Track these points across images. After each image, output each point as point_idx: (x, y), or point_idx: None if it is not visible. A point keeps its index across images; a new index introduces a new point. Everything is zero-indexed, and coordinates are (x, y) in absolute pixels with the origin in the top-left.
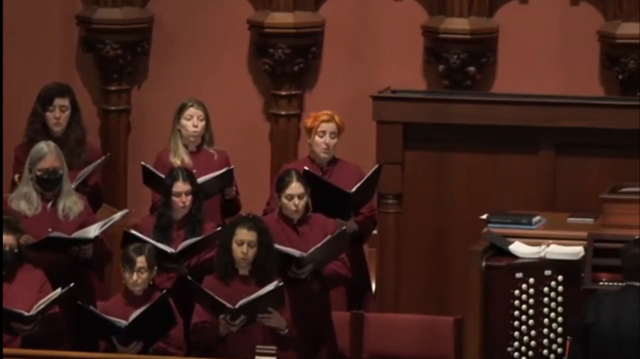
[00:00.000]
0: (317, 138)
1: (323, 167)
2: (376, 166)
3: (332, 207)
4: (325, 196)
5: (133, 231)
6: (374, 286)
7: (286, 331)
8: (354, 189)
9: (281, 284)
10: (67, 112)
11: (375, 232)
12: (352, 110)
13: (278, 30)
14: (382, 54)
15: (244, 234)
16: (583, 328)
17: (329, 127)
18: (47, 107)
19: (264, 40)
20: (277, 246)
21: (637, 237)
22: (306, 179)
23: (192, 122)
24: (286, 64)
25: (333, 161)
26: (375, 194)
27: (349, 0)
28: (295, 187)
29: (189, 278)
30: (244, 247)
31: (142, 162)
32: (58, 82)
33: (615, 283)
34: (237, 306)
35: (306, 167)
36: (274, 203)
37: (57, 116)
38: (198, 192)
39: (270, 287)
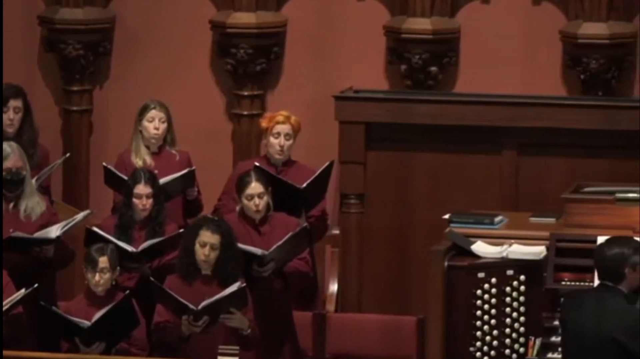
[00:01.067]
0: (272, 139)
1: (278, 167)
2: (327, 163)
3: (283, 204)
4: (277, 192)
5: (96, 229)
6: (335, 286)
7: (249, 331)
8: (304, 185)
9: (244, 285)
10: (20, 114)
11: (336, 232)
12: (315, 110)
13: (240, 30)
14: (345, 54)
15: (207, 237)
16: (561, 325)
17: (284, 128)
18: (1, 108)
19: (226, 40)
20: (239, 245)
21: (609, 237)
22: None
23: (154, 124)
24: (248, 64)
25: (288, 162)
26: (326, 195)
27: (312, 0)
28: (254, 187)
29: (152, 278)
30: (207, 250)
31: (104, 163)
32: (11, 84)
33: (577, 283)
34: (199, 307)
35: (256, 163)
36: (226, 200)
37: (11, 117)
38: (159, 194)
39: (233, 288)
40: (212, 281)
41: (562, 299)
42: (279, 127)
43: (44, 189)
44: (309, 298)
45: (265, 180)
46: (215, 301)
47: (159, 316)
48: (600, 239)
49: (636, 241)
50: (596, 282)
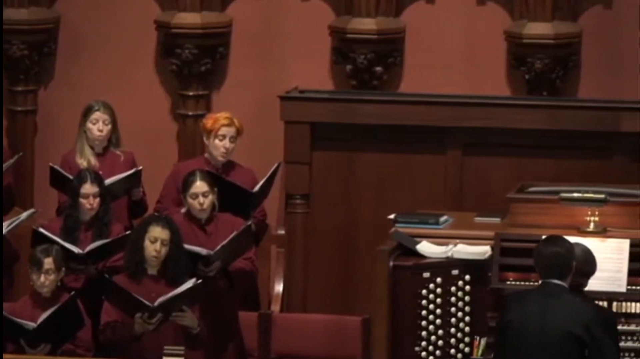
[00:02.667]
0: (216, 141)
1: (218, 169)
2: (275, 165)
3: (231, 207)
4: (225, 195)
5: (42, 230)
6: (281, 286)
7: (198, 329)
8: (257, 189)
9: (199, 282)
10: None
11: (282, 232)
12: (260, 110)
13: (185, 31)
14: (290, 54)
15: (157, 232)
16: (503, 326)
17: (229, 131)
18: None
19: (171, 40)
20: (184, 245)
21: (545, 236)
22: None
23: (98, 126)
24: (193, 64)
25: (228, 164)
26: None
27: (256, 0)
28: (199, 186)
29: (106, 276)
30: (157, 245)
31: (51, 164)
32: None
33: (523, 282)
34: (156, 303)
35: (207, 169)
36: (165, 203)
37: None
38: (105, 194)
39: (189, 285)
40: (159, 280)
41: (504, 300)
42: (225, 130)
43: (5, 189)
44: (251, 298)
45: (210, 179)
46: (171, 298)
47: (107, 316)
48: None
49: (567, 239)
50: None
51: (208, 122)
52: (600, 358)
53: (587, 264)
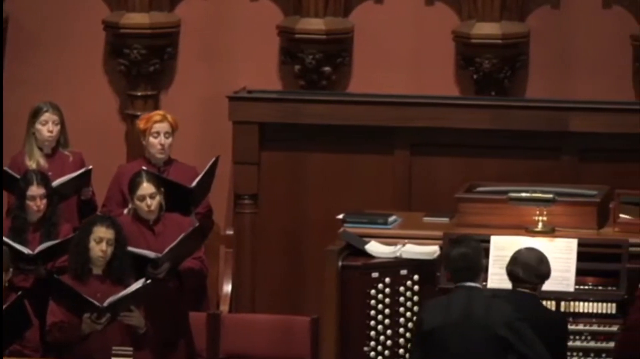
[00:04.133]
0: (151, 139)
1: (160, 167)
2: (213, 160)
3: (172, 204)
4: (166, 193)
5: None
6: (229, 287)
7: (144, 329)
8: (194, 184)
9: (149, 282)
10: None
11: (230, 232)
12: (208, 110)
13: (133, 31)
14: (238, 54)
15: (102, 232)
16: (422, 334)
17: (163, 127)
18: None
19: (119, 40)
20: (131, 249)
21: (452, 239)
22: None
23: (47, 127)
24: (142, 64)
25: (169, 162)
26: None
27: (205, 0)
28: (145, 187)
29: (55, 276)
30: (103, 245)
31: (5, 167)
32: None
33: None
34: (105, 304)
35: (144, 167)
36: (110, 205)
37: None
38: (53, 195)
39: (138, 285)
40: (105, 280)
41: (421, 309)
42: (158, 126)
43: None
44: (201, 298)
45: (156, 180)
46: (120, 298)
47: (54, 316)
48: (494, 239)
49: (473, 236)
50: (490, 283)
51: (141, 122)
52: (527, 354)
53: (543, 263)
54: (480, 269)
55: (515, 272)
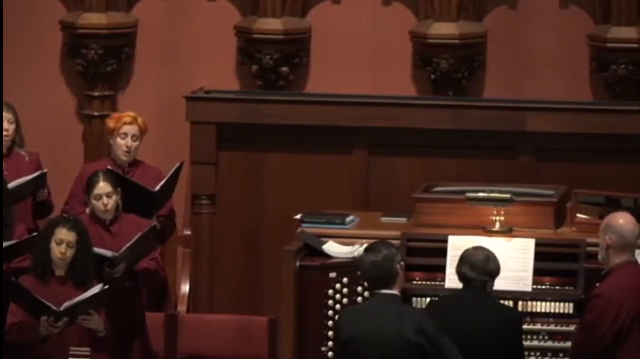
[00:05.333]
0: (119, 140)
1: (125, 168)
2: (177, 164)
3: (135, 206)
4: (128, 195)
5: None
6: (187, 287)
7: (104, 332)
8: (157, 188)
9: (106, 287)
10: None
11: (188, 232)
12: (166, 110)
13: (91, 31)
14: (196, 54)
15: (63, 234)
16: (340, 343)
17: (131, 129)
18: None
19: (76, 41)
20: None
21: (366, 246)
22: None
23: (3, 126)
24: (99, 64)
25: (134, 163)
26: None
27: (162, 0)
28: (102, 187)
29: (12, 278)
30: (63, 247)
31: None
32: None
33: (429, 282)
34: (62, 308)
35: (109, 167)
36: (73, 203)
37: None
38: (8, 196)
39: (95, 290)
40: (66, 281)
41: (339, 319)
42: (127, 128)
43: None
44: (160, 299)
45: (113, 180)
46: (77, 303)
47: (14, 317)
48: (452, 238)
49: (391, 242)
50: (447, 283)
51: (111, 121)
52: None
53: (490, 262)
54: (393, 276)
55: (464, 272)
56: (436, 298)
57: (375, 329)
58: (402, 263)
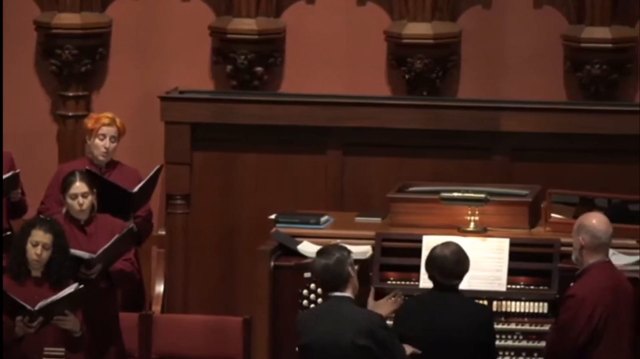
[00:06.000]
0: (97, 141)
1: (102, 169)
2: (157, 167)
3: (112, 207)
4: (105, 195)
5: None
6: (162, 287)
7: (80, 333)
8: (136, 189)
9: (81, 286)
10: None
11: (162, 233)
12: (140, 110)
13: (65, 31)
14: (170, 54)
15: (39, 236)
16: (299, 348)
17: (110, 131)
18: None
19: (51, 41)
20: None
21: (318, 250)
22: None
23: None
24: (73, 64)
25: (112, 163)
26: (151, 195)
27: (136, 0)
28: (78, 186)
29: None
30: (39, 249)
31: None
32: None
33: (403, 282)
34: (36, 307)
35: (87, 167)
36: (49, 203)
37: None
38: None
39: (70, 289)
40: (43, 282)
41: (297, 322)
42: (105, 129)
43: None
44: (135, 299)
45: (89, 180)
46: (52, 302)
47: None
48: (426, 238)
49: (343, 245)
50: (422, 283)
51: (89, 121)
52: None
53: (459, 265)
54: (345, 279)
55: (434, 276)
56: (407, 298)
57: (328, 332)
58: (355, 266)
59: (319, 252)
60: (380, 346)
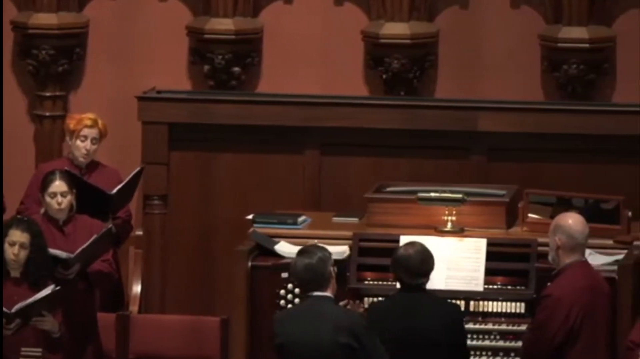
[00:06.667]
0: (78, 142)
1: (82, 169)
2: (138, 169)
3: (91, 208)
4: (85, 196)
5: None
6: (139, 287)
7: (58, 334)
8: (114, 191)
9: (58, 288)
10: None
11: (140, 233)
12: (118, 111)
13: (42, 31)
14: (147, 54)
15: (16, 236)
16: (276, 348)
17: (92, 132)
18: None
19: (27, 41)
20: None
21: (298, 251)
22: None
23: None
24: (50, 65)
25: (92, 164)
26: (132, 197)
27: (113, 1)
28: (58, 185)
29: None
30: (16, 249)
31: None
32: None
33: (380, 282)
34: (13, 309)
35: (66, 168)
36: (29, 203)
37: None
38: None
39: (47, 291)
40: (21, 283)
41: (274, 322)
42: (87, 131)
43: None
44: (113, 299)
45: (69, 180)
46: (29, 304)
47: None
48: (404, 238)
49: (323, 246)
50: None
51: (71, 122)
52: None
53: (424, 264)
54: (326, 279)
55: (400, 277)
56: (376, 299)
57: (308, 331)
58: (334, 267)
59: (299, 252)
60: (361, 345)
